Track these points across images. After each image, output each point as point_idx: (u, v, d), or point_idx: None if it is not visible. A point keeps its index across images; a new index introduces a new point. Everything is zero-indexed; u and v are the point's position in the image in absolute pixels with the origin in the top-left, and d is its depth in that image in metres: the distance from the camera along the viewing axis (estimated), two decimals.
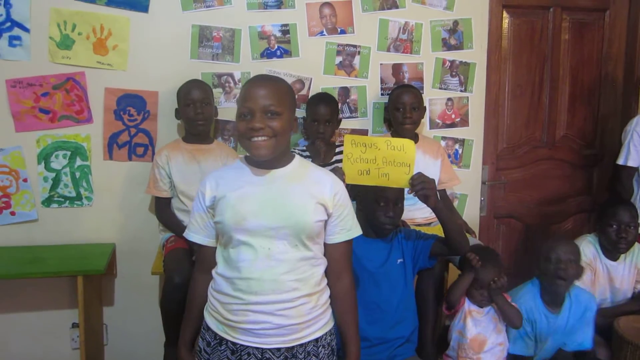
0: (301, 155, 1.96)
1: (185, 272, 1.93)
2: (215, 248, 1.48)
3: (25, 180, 2.34)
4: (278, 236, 1.38)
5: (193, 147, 2.28)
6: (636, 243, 2.39)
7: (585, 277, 2.23)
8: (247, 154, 1.46)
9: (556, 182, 2.93)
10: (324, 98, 2.37)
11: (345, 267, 1.54)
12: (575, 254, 2.09)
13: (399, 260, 2.04)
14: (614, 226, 2.29)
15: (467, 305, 2.01)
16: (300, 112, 2.42)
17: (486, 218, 2.83)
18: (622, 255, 2.37)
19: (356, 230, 1.54)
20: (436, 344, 2.12)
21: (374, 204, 1.95)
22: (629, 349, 2.15)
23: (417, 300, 2.08)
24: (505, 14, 2.76)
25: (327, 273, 1.50)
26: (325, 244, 1.50)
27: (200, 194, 1.46)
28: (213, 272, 1.47)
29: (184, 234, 1.52)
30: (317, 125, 2.31)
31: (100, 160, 2.40)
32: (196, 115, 2.21)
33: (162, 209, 2.25)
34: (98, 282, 2.38)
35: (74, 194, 2.39)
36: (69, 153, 2.37)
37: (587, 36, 2.90)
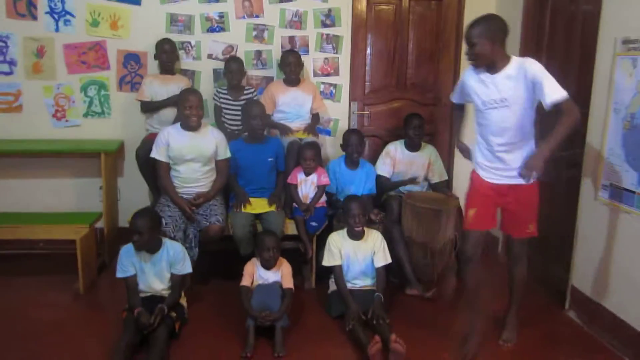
0: (222, 94, 3.68)
1: (147, 146, 3.65)
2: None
3: (73, 101, 4.14)
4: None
5: (164, 76, 3.95)
6: (428, 145, 3.99)
7: (387, 161, 3.88)
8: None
9: (407, 113, 4.40)
10: (233, 58, 3.99)
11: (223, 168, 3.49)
12: (360, 139, 3.71)
13: (269, 159, 3.72)
14: (409, 129, 3.87)
15: (299, 177, 3.68)
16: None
17: None
18: (420, 150, 3.94)
19: (227, 153, 3.48)
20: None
21: (249, 120, 3.63)
22: (407, 207, 3.74)
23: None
24: (369, 3, 4.25)
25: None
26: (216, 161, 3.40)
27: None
28: None
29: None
30: (232, 74, 3.93)
31: (115, 91, 4.16)
32: (166, 58, 3.89)
33: (145, 107, 3.93)
34: (113, 160, 4.15)
35: (100, 110, 4.18)
36: (97, 86, 4.14)
37: (429, 17, 4.33)
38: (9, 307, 3.36)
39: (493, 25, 2.54)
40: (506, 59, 2.56)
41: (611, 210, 2.97)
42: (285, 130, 3.91)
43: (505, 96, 2.56)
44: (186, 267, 3.11)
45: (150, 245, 2.99)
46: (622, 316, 2.90)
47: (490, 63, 2.57)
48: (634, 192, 2.80)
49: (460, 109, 3.11)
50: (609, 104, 2.97)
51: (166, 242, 3.09)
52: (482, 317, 2.87)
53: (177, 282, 3.08)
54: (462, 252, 2.89)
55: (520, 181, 2.59)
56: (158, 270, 3.04)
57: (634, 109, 2.79)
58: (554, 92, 2.42)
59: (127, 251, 3.03)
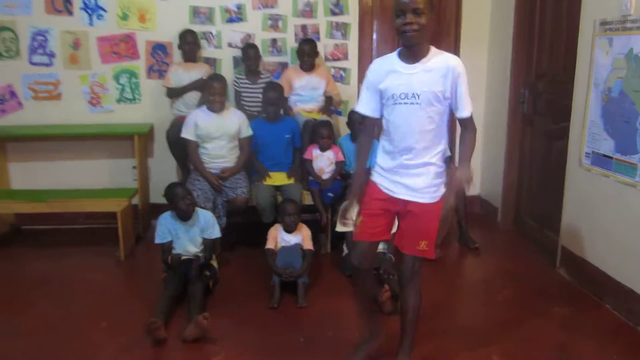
0: (241, 79, 4.04)
1: (176, 128, 4.08)
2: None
3: (107, 89, 4.55)
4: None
5: (187, 64, 4.35)
6: None
7: None
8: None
9: None
10: (250, 45, 4.37)
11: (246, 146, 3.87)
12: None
13: (286, 136, 4.11)
14: None
15: (314, 153, 4.08)
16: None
17: None
18: None
19: (249, 132, 3.87)
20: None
21: (264, 105, 4.02)
22: None
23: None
24: None
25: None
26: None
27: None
28: None
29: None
30: (249, 60, 4.31)
31: (144, 78, 4.57)
32: (188, 48, 4.29)
33: (170, 92, 4.35)
34: (145, 142, 4.58)
35: (131, 97, 4.59)
36: (128, 75, 4.55)
37: None
38: (60, 271, 3.81)
39: (432, 2, 2.12)
40: (428, 47, 2.18)
41: (593, 175, 3.34)
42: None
43: (418, 92, 2.14)
44: (215, 232, 3.51)
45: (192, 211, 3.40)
46: (603, 269, 3.28)
47: (419, 44, 2.14)
48: (611, 158, 3.17)
49: (369, 129, 2.40)
50: (590, 80, 3.33)
51: (198, 210, 3.50)
52: (376, 320, 2.64)
53: (209, 245, 3.48)
54: (350, 261, 2.55)
55: (421, 200, 2.26)
56: (191, 235, 3.44)
57: (611, 84, 3.15)
58: (469, 105, 2.20)
59: (164, 219, 3.44)
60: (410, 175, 2.26)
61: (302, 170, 4.18)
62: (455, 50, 4.78)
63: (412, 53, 2.16)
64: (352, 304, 3.22)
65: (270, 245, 3.55)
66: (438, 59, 2.16)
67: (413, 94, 2.15)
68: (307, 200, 4.08)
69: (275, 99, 4.01)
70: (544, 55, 4.07)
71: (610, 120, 3.17)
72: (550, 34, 3.97)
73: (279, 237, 3.58)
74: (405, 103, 2.17)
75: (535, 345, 2.82)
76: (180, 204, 3.33)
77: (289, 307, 3.25)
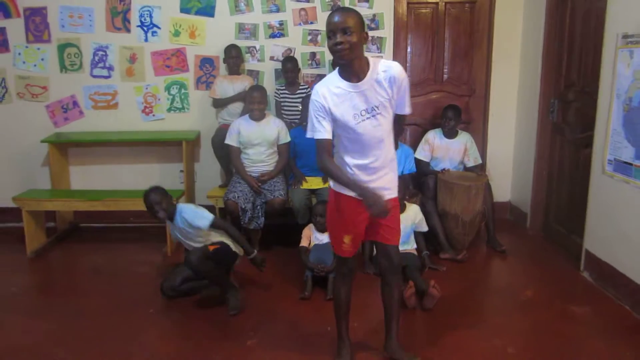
0: (281, 90, 4.38)
1: (220, 135, 4.42)
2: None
3: (159, 99, 4.94)
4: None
5: (231, 76, 4.67)
6: (464, 132, 4.53)
7: (426, 147, 4.45)
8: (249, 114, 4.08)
9: (444, 104, 4.93)
10: (288, 58, 4.68)
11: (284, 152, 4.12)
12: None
13: None
14: (443, 119, 4.44)
15: None
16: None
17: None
18: (456, 137, 4.50)
19: (288, 138, 4.13)
20: None
21: (303, 112, 4.31)
22: (442, 183, 4.31)
23: None
24: (409, 7, 4.86)
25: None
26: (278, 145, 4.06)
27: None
28: None
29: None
30: (287, 73, 4.62)
31: (193, 89, 4.93)
32: (232, 62, 4.62)
33: (216, 103, 4.70)
34: (192, 147, 4.94)
35: (181, 106, 4.97)
36: (178, 86, 4.92)
37: (463, 18, 4.89)
38: (113, 264, 4.20)
39: (362, 20, 2.32)
40: (366, 60, 2.34)
41: (615, 181, 3.45)
42: None
43: (376, 104, 2.33)
44: (200, 222, 3.40)
45: (170, 212, 3.45)
46: (623, 271, 3.38)
47: (354, 60, 2.27)
48: (631, 165, 3.29)
49: (329, 150, 2.43)
50: (612, 90, 3.46)
51: (178, 206, 3.52)
52: (347, 325, 2.81)
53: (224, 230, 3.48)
54: (339, 271, 2.76)
55: (393, 195, 2.52)
56: (184, 233, 3.47)
57: (632, 94, 3.28)
58: (410, 103, 2.47)
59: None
60: (383, 176, 2.48)
61: None
62: (487, 64, 4.95)
63: (353, 71, 2.31)
64: (376, 299, 3.45)
65: (304, 243, 3.81)
66: (382, 70, 2.33)
67: (372, 107, 2.33)
68: None
69: None
70: (573, 67, 4.20)
71: (631, 128, 3.30)
72: (580, 46, 4.10)
73: (312, 236, 3.83)
74: (368, 118, 2.34)
75: (550, 340, 2.96)
76: (151, 213, 3.41)
77: (319, 299, 3.50)
